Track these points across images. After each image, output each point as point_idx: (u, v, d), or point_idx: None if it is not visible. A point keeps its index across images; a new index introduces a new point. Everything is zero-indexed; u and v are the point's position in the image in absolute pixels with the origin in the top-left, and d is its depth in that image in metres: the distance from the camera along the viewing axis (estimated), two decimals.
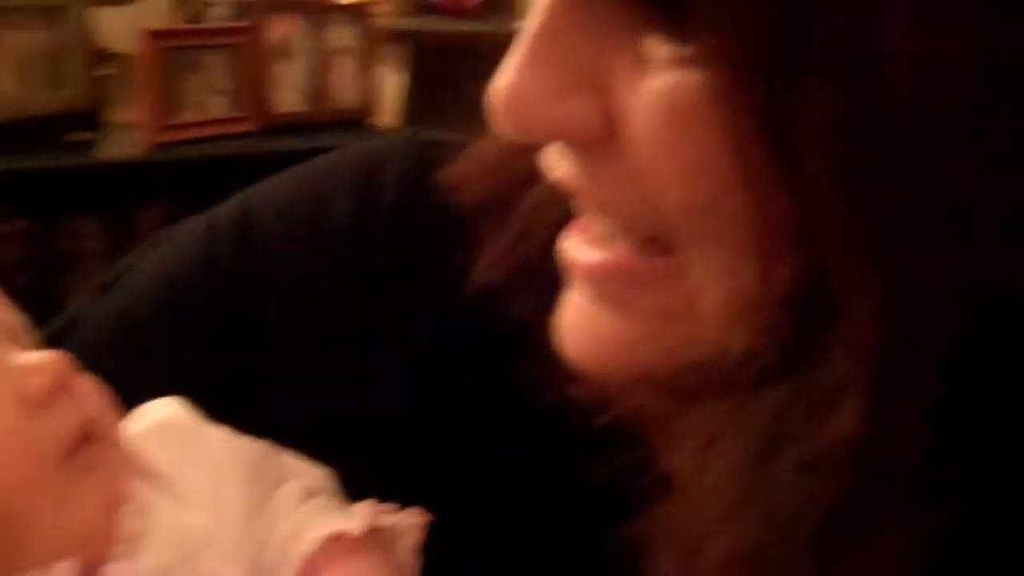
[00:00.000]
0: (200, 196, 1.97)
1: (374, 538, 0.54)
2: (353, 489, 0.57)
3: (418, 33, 2.48)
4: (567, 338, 0.48)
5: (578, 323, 0.48)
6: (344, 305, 0.59)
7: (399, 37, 2.45)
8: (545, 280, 0.50)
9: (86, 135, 1.82)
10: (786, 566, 0.39)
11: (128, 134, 1.86)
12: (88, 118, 1.82)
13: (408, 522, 0.54)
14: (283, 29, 2.04)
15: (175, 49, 1.85)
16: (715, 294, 0.41)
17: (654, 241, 0.43)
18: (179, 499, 0.54)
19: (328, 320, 0.59)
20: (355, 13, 2.16)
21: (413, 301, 0.59)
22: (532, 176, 0.51)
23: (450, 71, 2.64)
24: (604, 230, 0.45)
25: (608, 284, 0.46)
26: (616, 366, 0.46)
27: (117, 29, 2.07)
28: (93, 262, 1.75)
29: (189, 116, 1.88)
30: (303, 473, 0.57)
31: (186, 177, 1.85)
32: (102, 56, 1.93)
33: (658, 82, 0.40)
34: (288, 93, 2.06)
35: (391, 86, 2.47)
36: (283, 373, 0.59)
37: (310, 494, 0.56)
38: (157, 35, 1.84)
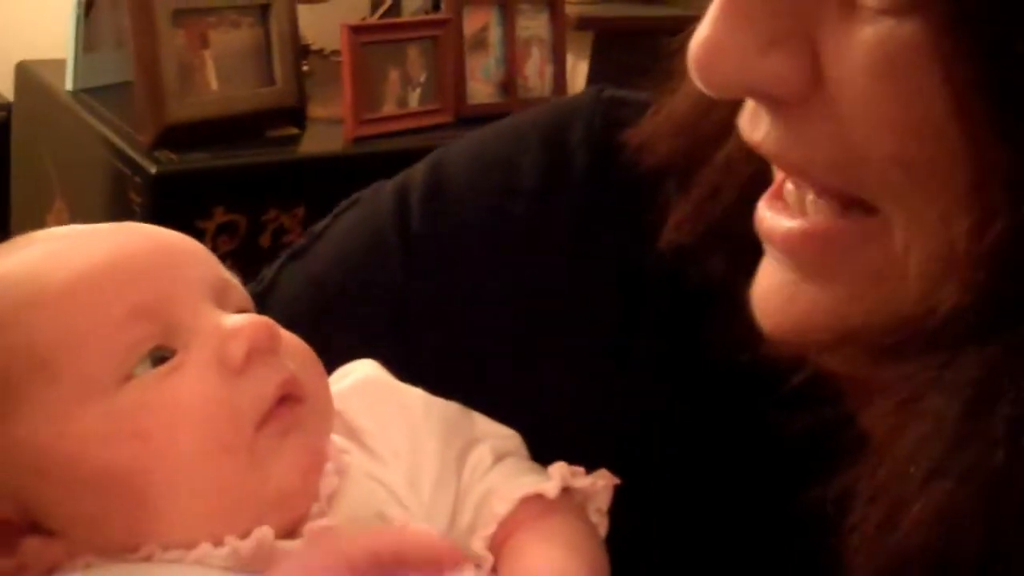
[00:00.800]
0: None
1: (567, 499, 0.53)
2: (540, 452, 0.56)
3: (601, 20, 2.45)
4: (765, 307, 0.47)
5: (776, 293, 0.46)
6: (535, 271, 0.59)
7: (585, 24, 2.43)
8: (735, 239, 0.49)
9: (291, 130, 1.85)
10: (993, 529, 0.37)
11: (330, 128, 1.88)
12: (293, 114, 1.85)
13: (600, 484, 0.54)
14: (478, 19, 2.04)
15: (373, 43, 1.87)
16: (922, 251, 0.39)
17: (854, 202, 0.41)
18: (377, 457, 0.54)
19: (519, 287, 0.59)
20: (546, 1, 2.14)
21: (603, 263, 0.57)
22: (722, 134, 0.50)
23: (631, 57, 2.62)
24: (800, 196, 0.43)
25: (808, 252, 0.44)
26: (816, 333, 0.45)
27: (316, 26, 2.10)
28: None
29: (388, 109, 1.90)
30: (494, 435, 0.57)
31: (386, 169, 1.87)
32: (305, 52, 1.96)
33: (868, 32, 0.38)
34: (482, 84, 2.06)
35: (580, 74, 2.46)
36: (474, 340, 0.59)
37: (501, 455, 0.56)
38: (356, 30, 1.86)
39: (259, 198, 1.73)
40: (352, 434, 0.54)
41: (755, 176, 0.48)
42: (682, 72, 0.48)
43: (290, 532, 0.50)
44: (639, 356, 0.57)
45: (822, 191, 0.43)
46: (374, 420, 0.55)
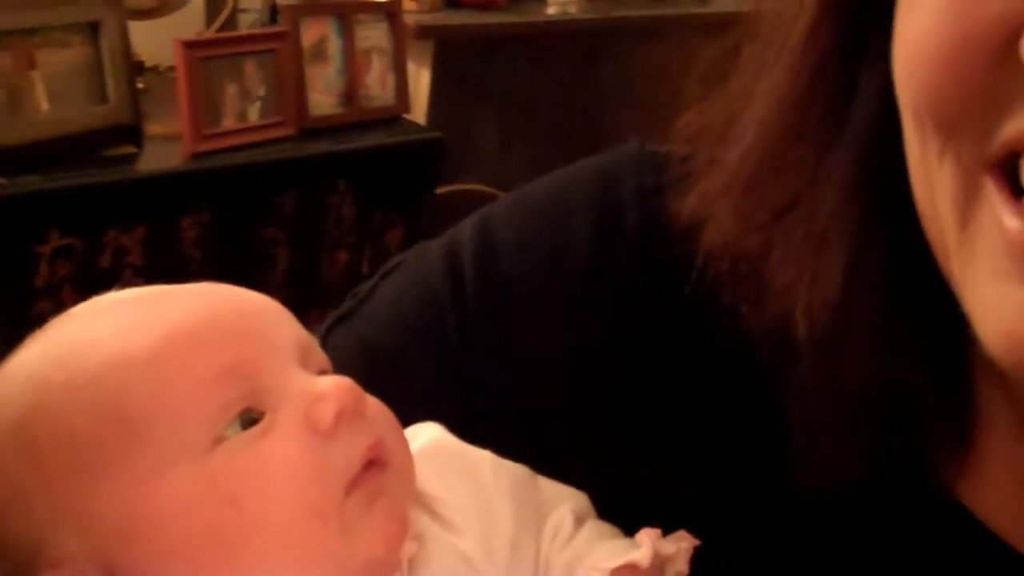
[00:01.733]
0: (242, 203, 1.97)
1: (653, 562, 0.53)
2: (602, 513, 0.56)
3: (440, 28, 2.47)
4: None
5: None
6: (590, 333, 0.58)
7: (425, 33, 2.44)
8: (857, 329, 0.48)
9: (127, 149, 1.82)
10: None
11: (168, 145, 1.86)
12: (128, 132, 1.82)
13: (682, 546, 0.54)
14: (315, 31, 2.04)
15: (210, 58, 1.85)
16: None
17: None
18: (449, 524, 0.53)
19: (575, 348, 0.58)
20: (385, 11, 2.15)
21: (657, 330, 0.57)
22: (792, 202, 0.49)
23: (472, 64, 2.64)
24: None
25: None
26: None
27: (151, 42, 2.07)
28: (138, 276, 1.75)
29: (227, 124, 1.88)
30: (566, 497, 0.56)
31: (227, 185, 1.85)
32: (138, 69, 1.93)
33: None
34: (323, 95, 2.06)
35: (423, 83, 2.47)
36: (532, 402, 0.58)
37: (581, 518, 0.56)
38: (191, 45, 1.84)
39: (97, 219, 1.70)
40: (421, 501, 0.54)
41: (861, 242, 0.46)
42: (726, 131, 0.48)
43: None
44: (705, 408, 0.56)
45: None
46: (442, 486, 0.54)
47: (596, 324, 0.58)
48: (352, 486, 0.50)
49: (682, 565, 0.54)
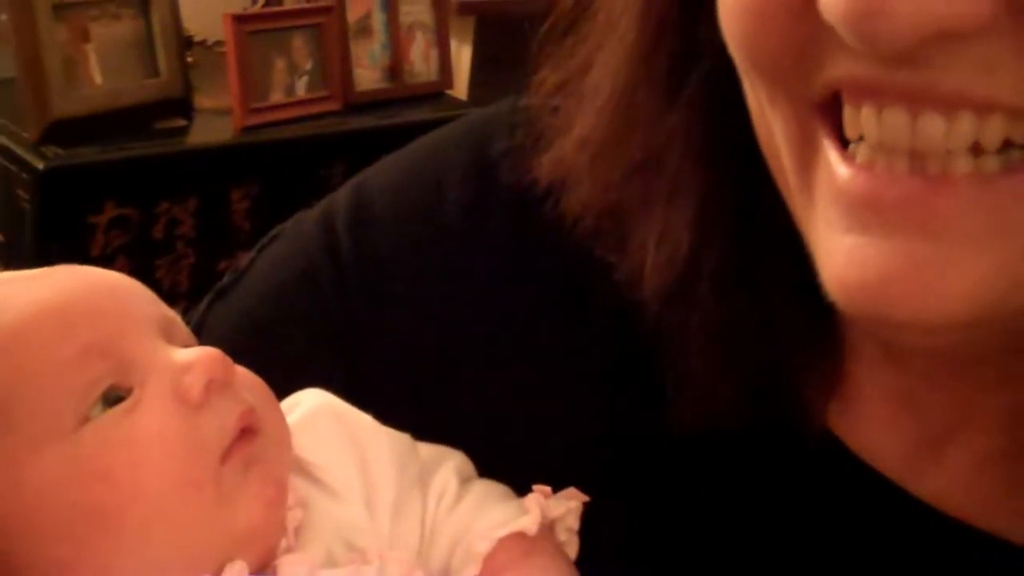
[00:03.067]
0: (289, 175, 1.99)
1: (541, 523, 0.53)
2: (483, 470, 0.56)
3: (482, 4, 2.48)
4: (898, 293, 0.39)
5: (904, 274, 0.38)
6: (469, 287, 0.58)
7: (467, 9, 2.45)
8: (703, 284, 0.48)
9: (177, 122, 1.84)
10: None
11: (217, 119, 1.88)
12: (179, 105, 1.84)
13: (571, 505, 0.54)
14: (360, 6, 2.06)
15: (258, 32, 1.87)
16: None
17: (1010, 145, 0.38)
18: (332, 490, 0.53)
19: (454, 304, 0.58)
20: None
21: (539, 277, 0.57)
22: (651, 162, 0.49)
23: (513, 41, 2.64)
24: (937, 161, 0.38)
25: (963, 212, 0.38)
26: (977, 314, 0.39)
27: (200, 16, 2.09)
28: (190, 246, 1.78)
29: (275, 98, 1.90)
30: (447, 457, 0.56)
31: (275, 158, 1.88)
32: (188, 43, 1.96)
33: None
34: (368, 70, 2.08)
35: (464, 58, 2.48)
36: (412, 362, 0.58)
37: (465, 479, 0.55)
38: (239, 19, 1.86)
39: (150, 191, 1.73)
40: (303, 469, 0.53)
41: (707, 196, 0.47)
42: (579, 87, 0.48)
43: (262, 567, 0.49)
44: (576, 363, 0.56)
45: (1002, 140, 0.38)
46: (323, 452, 0.54)
47: (472, 286, 0.58)
48: (226, 455, 0.49)
49: (573, 522, 0.54)
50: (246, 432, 0.50)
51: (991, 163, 0.38)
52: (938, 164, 0.38)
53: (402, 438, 0.55)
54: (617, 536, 0.55)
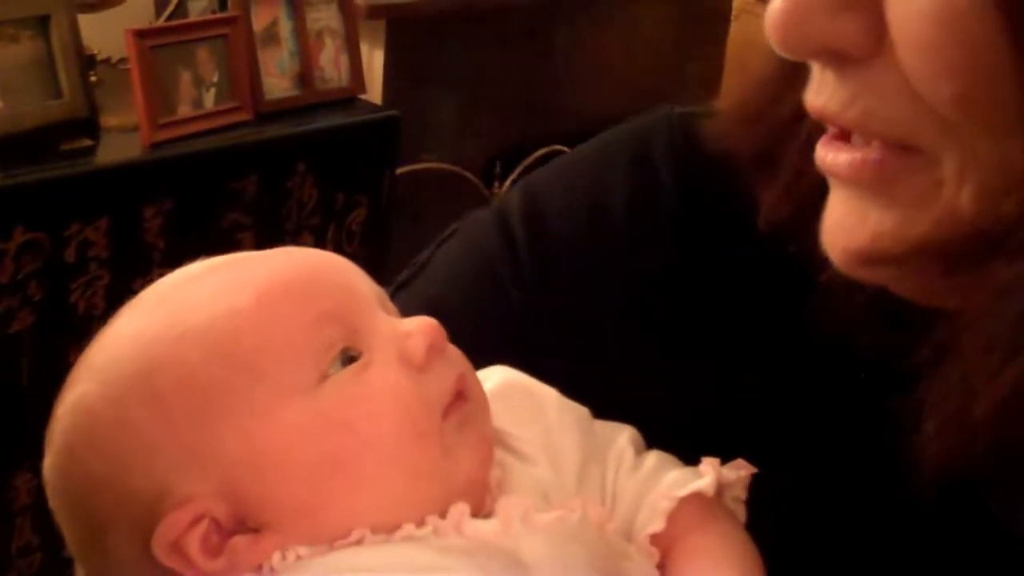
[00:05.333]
0: (202, 190, 1.97)
1: (716, 491, 0.58)
2: (657, 445, 0.61)
3: (391, 7, 2.47)
4: (836, 237, 0.51)
5: (845, 220, 0.50)
6: (636, 279, 0.63)
7: (376, 13, 2.44)
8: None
9: (84, 142, 1.81)
10: None
11: (125, 137, 1.85)
12: (84, 125, 1.81)
13: (741, 474, 0.58)
14: (266, 14, 2.03)
15: (162, 47, 1.84)
16: (973, 175, 0.45)
17: (907, 147, 0.47)
18: (523, 456, 0.59)
19: (624, 295, 0.63)
20: None
21: (702, 263, 0.62)
22: (796, 117, 0.54)
23: (427, 43, 2.64)
24: (856, 140, 0.49)
25: (866, 177, 0.49)
26: (885, 252, 0.49)
27: (102, 33, 2.06)
28: (104, 267, 1.75)
29: (183, 112, 1.88)
30: (620, 430, 0.61)
31: (186, 173, 1.85)
32: (91, 62, 1.92)
33: None
34: (277, 79, 2.06)
35: (377, 63, 2.47)
36: (585, 349, 0.63)
37: (640, 449, 0.61)
38: (142, 34, 1.83)
39: (59, 213, 1.70)
40: (497, 436, 0.58)
41: None
42: (739, 68, 0.53)
43: (475, 515, 0.54)
44: (748, 340, 0.61)
45: (881, 142, 0.48)
46: (514, 422, 0.59)
47: (640, 277, 0.63)
48: (446, 413, 0.55)
49: (740, 491, 0.59)
50: (459, 396, 0.56)
51: (870, 150, 0.48)
52: (854, 148, 0.49)
53: (582, 411, 0.61)
54: (779, 508, 0.59)
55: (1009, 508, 0.47)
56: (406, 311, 0.60)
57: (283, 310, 0.55)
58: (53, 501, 0.57)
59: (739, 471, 0.59)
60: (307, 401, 0.53)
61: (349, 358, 0.55)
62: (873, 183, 0.49)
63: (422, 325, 0.56)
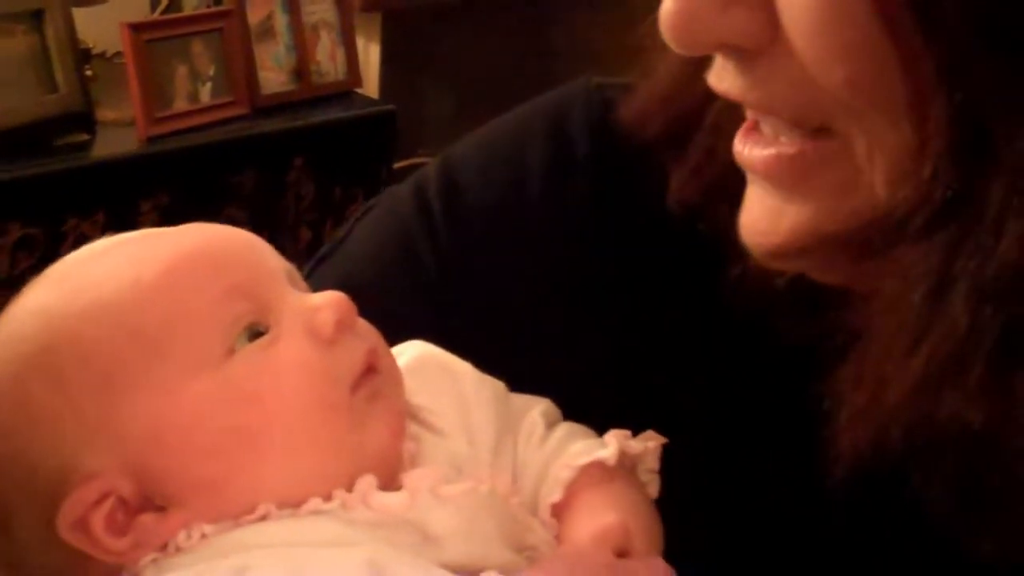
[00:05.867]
0: (198, 184, 1.96)
1: (621, 463, 0.57)
2: (574, 419, 0.61)
3: (386, 1, 2.46)
4: (754, 231, 0.52)
5: (764, 215, 0.51)
6: (553, 250, 0.63)
7: (371, 5, 2.43)
8: (738, 188, 0.53)
9: (80, 137, 1.80)
10: (964, 393, 0.43)
11: (121, 131, 1.84)
12: (80, 119, 1.80)
13: (650, 446, 0.58)
14: (261, 8, 2.03)
15: (157, 40, 1.84)
16: (883, 161, 0.45)
17: (817, 130, 0.47)
18: (438, 430, 0.58)
19: (540, 266, 0.63)
20: None
21: (616, 236, 0.62)
22: (706, 100, 0.54)
23: (423, 36, 2.63)
24: (770, 130, 0.49)
25: (784, 174, 0.49)
26: (800, 245, 0.50)
27: (97, 27, 2.05)
28: None
29: (179, 106, 1.87)
30: (535, 403, 0.61)
31: (182, 167, 1.84)
32: (86, 56, 1.91)
33: None
34: (274, 73, 2.05)
35: (373, 55, 2.46)
36: (503, 320, 0.63)
37: (552, 422, 0.61)
38: (137, 28, 1.83)
39: (56, 208, 1.69)
40: (411, 411, 0.58)
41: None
42: (657, 50, 0.53)
43: (386, 487, 0.53)
44: (661, 314, 0.61)
45: (790, 123, 0.48)
46: (429, 396, 0.59)
47: (555, 249, 0.63)
48: (356, 386, 0.55)
49: (652, 463, 0.58)
50: (369, 369, 0.55)
51: (790, 142, 0.48)
52: (771, 140, 0.49)
53: (498, 385, 0.60)
54: (695, 478, 0.59)
55: (926, 496, 0.47)
56: (322, 286, 0.59)
57: (189, 283, 0.54)
58: None
59: (647, 442, 0.58)
60: (213, 375, 0.52)
61: (256, 333, 0.54)
62: (790, 177, 0.49)
63: (330, 299, 0.55)
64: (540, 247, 0.63)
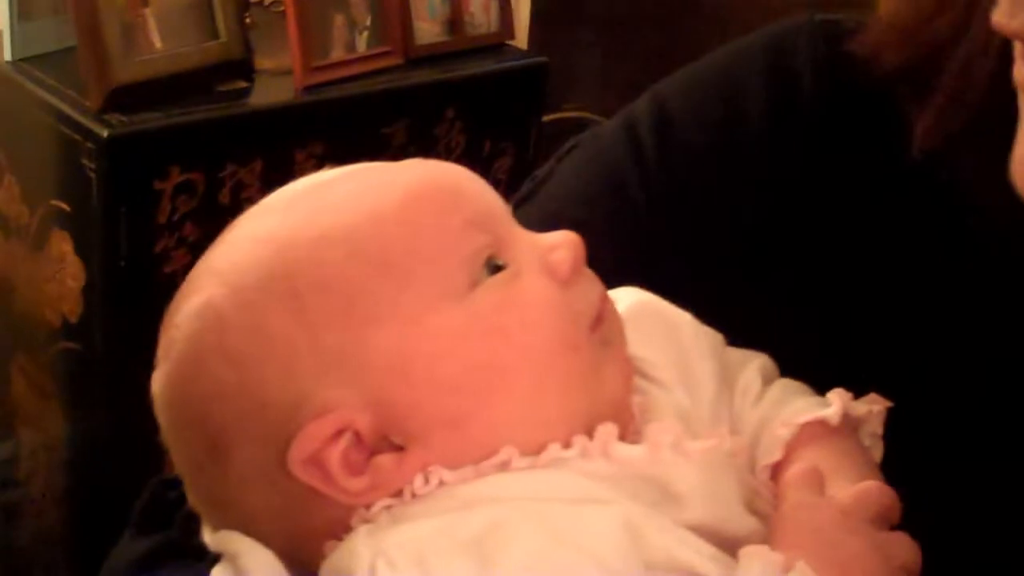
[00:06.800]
0: (352, 134, 1.97)
1: (844, 424, 0.54)
2: (788, 374, 0.58)
3: None
4: None
5: None
6: (773, 192, 0.60)
7: None
8: (987, 136, 0.49)
9: (239, 84, 1.82)
10: None
11: (278, 79, 1.86)
12: (240, 67, 1.82)
13: (873, 409, 0.55)
14: None
15: None
16: None
17: None
18: (660, 382, 0.56)
19: (758, 209, 0.60)
20: None
21: (843, 181, 0.58)
22: (954, 37, 0.51)
23: None
24: None
25: None
26: None
27: None
28: None
29: (336, 55, 1.88)
30: (752, 358, 0.58)
31: (337, 117, 1.85)
32: (246, 4, 1.93)
33: None
34: (428, 23, 2.04)
35: (524, 8, 2.44)
36: (716, 264, 0.61)
37: (768, 379, 0.58)
38: None
39: (215, 154, 1.71)
40: (632, 363, 0.56)
41: (997, 73, 0.49)
42: None
43: (621, 438, 0.51)
44: (894, 271, 0.58)
45: None
46: (648, 348, 0.56)
47: (775, 195, 0.59)
48: (593, 328, 0.53)
49: (877, 427, 0.55)
50: (600, 315, 0.54)
51: None
52: None
53: (717, 336, 0.58)
54: (923, 443, 0.55)
55: None
56: (528, 227, 0.57)
57: (430, 213, 0.52)
58: (166, 415, 0.53)
59: (872, 405, 0.55)
60: (459, 307, 0.51)
61: (496, 267, 0.53)
62: None
63: (566, 239, 0.54)
64: (759, 188, 0.60)
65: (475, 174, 0.57)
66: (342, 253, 0.51)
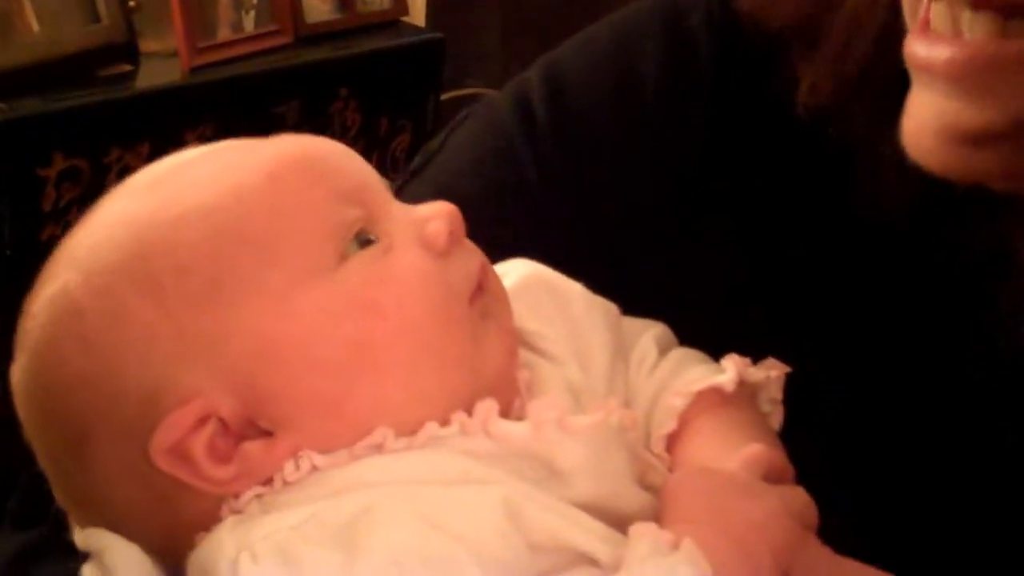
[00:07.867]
0: (243, 114, 1.94)
1: (741, 392, 0.54)
2: (686, 341, 0.57)
3: None
4: (924, 140, 0.46)
5: (935, 123, 0.45)
6: (672, 155, 0.59)
7: None
8: (872, 92, 0.49)
9: (123, 67, 1.79)
10: None
11: (165, 62, 1.83)
12: (123, 50, 1.79)
13: (772, 375, 0.54)
14: None
15: None
16: None
17: (1016, 9, 0.42)
18: (551, 356, 0.54)
19: (657, 172, 0.59)
20: None
21: (741, 139, 0.58)
22: None
23: None
24: (953, 18, 0.44)
25: (968, 76, 0.44)
26: (976, 161, 0.45)
27: None
28: None
29: (222, 35, 1.85)
30: (647, 327, 0.57)
31: (227, 97, 1.82)
32: None
33: None
34: (319, 1, 2.02)
35: None
36: (611, 231, 0.59)
37: (664, 348, 0.57)
38: None
39: (99, 139, 1.68)
40: (521, 337, 0.54)
41: (886, 26, 0.49)
42: None
43: (503, 415, 0.50)
44: (784, 227, 0.57)
45: (983, 3, 0.43)
46: (538, 320, 0.55)
47: (671, 155, 0.58)
48: (472, 300, 0.51)
49: (775, 392, 0.54)
50: (479, 287, 0.52)
51: (978, 37, 0.43)
52: (951, 38, 0.44)
53: (610, 307, 0.56)
54: (821, 407, 0.55)
55: None
56: (418, 200, 0.56)
57: (296, 188, 0.50)
58: (26, 409, 0.51)
59: (770, 370, 0.54)
60: (328, 283, 0.49)
61: (366, 241, 0.50)
62: (977, 81, 0.44)
63: (441, 209, 0.52)
64: (654, 153, 0.59)
65: (349, 148, 0.55)
66: (202, 232, 0.49)
